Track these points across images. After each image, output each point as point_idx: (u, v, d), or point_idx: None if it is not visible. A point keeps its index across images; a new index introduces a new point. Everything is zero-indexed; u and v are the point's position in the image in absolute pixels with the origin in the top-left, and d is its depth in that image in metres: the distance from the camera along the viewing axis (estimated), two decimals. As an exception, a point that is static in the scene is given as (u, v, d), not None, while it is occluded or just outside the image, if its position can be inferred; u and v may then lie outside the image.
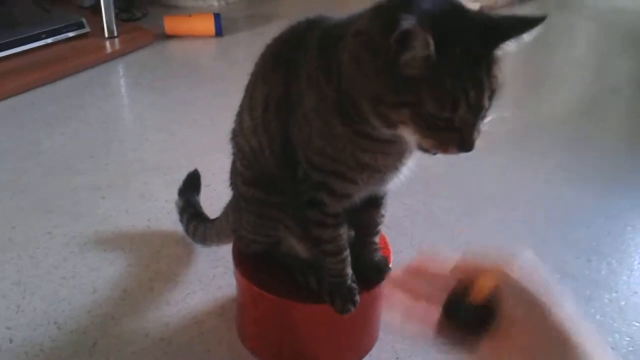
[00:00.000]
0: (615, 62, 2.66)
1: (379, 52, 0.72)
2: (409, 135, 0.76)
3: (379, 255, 1.09)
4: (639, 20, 3.06)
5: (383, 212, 1.05)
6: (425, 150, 0.78)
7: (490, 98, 0.73)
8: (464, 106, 0.71)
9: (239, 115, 1.02)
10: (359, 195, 0.94)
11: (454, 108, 0.71)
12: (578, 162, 1.85)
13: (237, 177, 1.06)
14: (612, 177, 1.78)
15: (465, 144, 0.75)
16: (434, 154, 0.78)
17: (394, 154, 0.87)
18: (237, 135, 1.03)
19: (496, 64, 0.73)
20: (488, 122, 0.77)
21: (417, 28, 0.66)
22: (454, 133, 0.74)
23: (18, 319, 1.19)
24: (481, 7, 2.91)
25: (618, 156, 1.90)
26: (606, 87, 2.40)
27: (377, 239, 1.08)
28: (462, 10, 0.74)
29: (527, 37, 0.73)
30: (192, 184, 1.41)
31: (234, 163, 1.08)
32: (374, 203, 1.02)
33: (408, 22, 0.67)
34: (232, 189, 1.11)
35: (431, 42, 0.67)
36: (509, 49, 0.73)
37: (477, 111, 0.73)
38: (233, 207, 1.14)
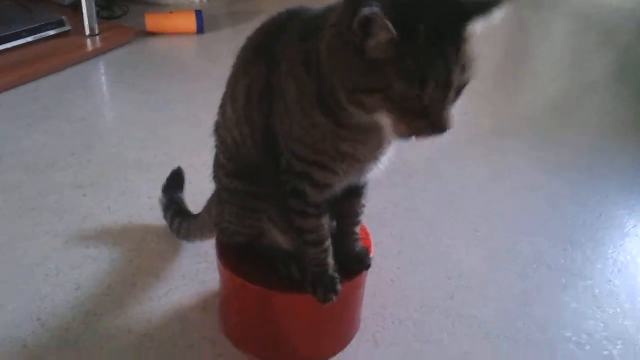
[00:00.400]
0: (590, 58, 2.70)
1: (348, 41, 0.74)
2: (386, 122, 0.78)
3: (360, 245, 1.11)
4: (614, 15, 3.11)
5: (364, 202, 1.07)
6: (402, 137, 0.79)
7: (462, 74, 0.74)
8: (432, 83, 0.72)
9: (222, 108, 1.03)
10: (340, 185, 0.96)
11: (422, 85, 0.72)
12: (555, 155, 1.88)
13: (220, 170, 1.08)
14: (588, 169, 1.82)
15: (437, 124, 0.75)
16: (411, 139, 0.79)
17: (373, 144, 0.89)
18: (220, 128, 1.05)
19: (467, 42, 0.74)
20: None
21: (375, 14, 0.68)
22: (426, 115, 0.75)
23: (1, 317, 1.20)
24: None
25: (593, 149, 1.94)
26: (582, 82, 2.44)
27: (358, 229, 1.10)
28: None
29: (495, 18, 0.75)
30: (176, 181, 1.43)
31: (217, 156, 1.09)
32: (355, 193, 1.04)
33: (367, 9, 0.68)
34: (215, 182, 1.12)
35: (390, 25, 0.69)
36: (478, 28, 0.75)
37: (446, 88, 0.73)
38: (216, 200, 1.16)
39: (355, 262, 1.10)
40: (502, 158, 1.84)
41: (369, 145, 0.89)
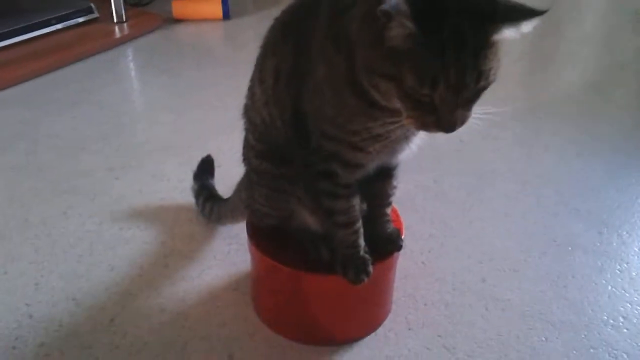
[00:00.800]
0: (622, 38, 2.64)
1: (375, 24, 0.73)
2: (400, 109, 0.77)
3: (391, 227, 1.11)
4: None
5: (395, 183, 1.06)
6: (411, 127, 0.79)
7: (477, 80, 0.72)
8: (443, 84, 0.71)
9: (250, 90, 1.03)
10: (372, 165, 0.95)
11: (433, 85, 0.71)
12: (587, 136, 1.85)
13: (250, 151, 1.08)
14: (621, 151, 1.78)
15: (443, 123, 0.75)
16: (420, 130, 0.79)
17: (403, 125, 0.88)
18: (249, 109, 1.04)
19: (490, 48, 0.72)
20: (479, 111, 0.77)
21: (397, 9, 0.68)
22: (434, 114, 0.75)
23: (37, 296, 1.22)
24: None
25: (627, 130, 1.90)
26: (614, 62, 2.39)
27: (389, 211, 1.09)
28: None
29: (525, 27, 0.73)
30: (206, 168, 1.43)
31: (246, 138, 1.09)
32: (386, 174, 1.03)
33: (390, 3, 0.68)
34: (245, 164, 1.12)
35: (408, 24, 0.68)
36: (507, 35, 0.73)
37: (458, 91, 0.72)
38: (245, 182, 1.16)
39: (386, 243, 1.09)
40: (536, 139, 1.81)
41: (401, 125, 0.88)
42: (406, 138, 0.92)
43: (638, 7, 2.89)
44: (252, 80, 1.02)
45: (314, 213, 1.06)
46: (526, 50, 2.51)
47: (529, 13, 0.72)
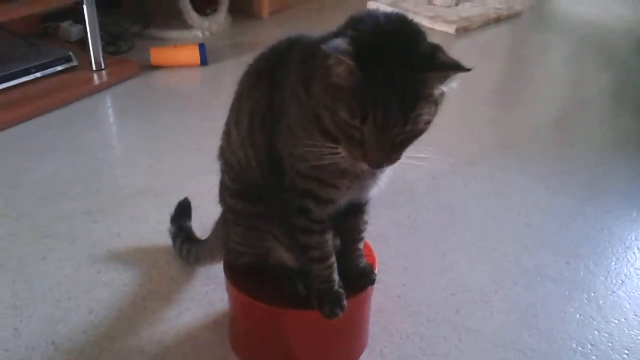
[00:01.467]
0: (589, 76, 2.75)
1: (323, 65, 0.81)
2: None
3: (364, 262, 1.14)
4: (610, 35, 3.17)
5: (366, 218, 1.10)
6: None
7: (404, 124, 0.79)
8: (371, 121, 0.78)
9: (226, 133, 1.08)
10: (343, 200, 0.99)
11: (362, 119, 0.78)
12: (555, 171, 1.91)
13: (226, 192, 1.11)
14: (589, 184, 1.84)
15: (370, 158, 0.82)
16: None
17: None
18: (226, 151, 1.09)
19: (423, 99, 0.79)
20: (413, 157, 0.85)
21: (337, 50, 0.76)
22: (362, 148, 0.81)
23: (16, 341, 1.22)
24: (456, 29, 3.00)
25: (594, 164, 1.97)
26: (582, 99, 2.48)
27: (361, 246, 1.13)
28: (402, 36, 0.81)
29: (454, 83, 0.81)
30: (183, 211, 1.46)
31: (222, 179, 1.13)
32: (357, 210, 1.08)
33: (330, 46, 0.77)
34: (222, 204, 1.16)
35: (348, 62, 0.76)
36: (444, 88, 0.81)
37: (383, 130, 0.79)
38: (222, 222, 1.19)
39: (360, 278, 1.13)
40: (505, 175, 1.87)
41: None
42: (373, 175, 0.96)
43: (602, 47, 3.01)
44: (228, 123, 1.07)
45: (289, 250, 1.09)
46: (494, 89, 2.60)
47: (456, 67, 0.79)
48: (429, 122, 0.83)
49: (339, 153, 0.86)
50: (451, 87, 0.82)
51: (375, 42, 0.79)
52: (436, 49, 0.81)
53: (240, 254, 1.14)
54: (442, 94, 0.82)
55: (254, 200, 1.06)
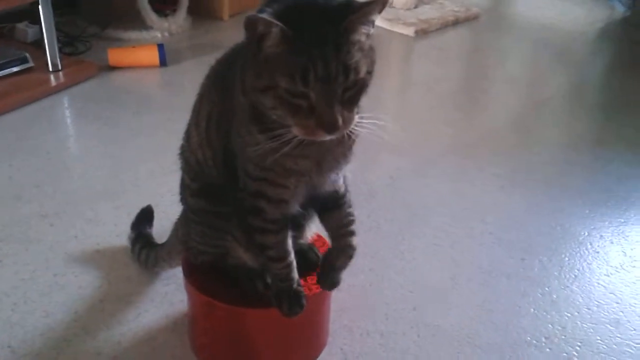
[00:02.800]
0: (544, 77, 2.81)
1: (249, 45, 0.82)
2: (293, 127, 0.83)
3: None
4: (566, 37, 3.25)
5: (349, 210, 1.07)
6: (302, 137, 0.83)
7: (346, 74, 0.79)
8: (313, 77, 0.77)
9: (187, 132, 1.08)
10: (295, 199, 0.99)
11: (304, 80, 0.78)
12: (511, 170, 1.95)
13: (186, 190, 1.11)
14: (541, 183, 1.89)
15: (324, 122, 0.80)
16: (311, 139, 0.84)
17: (314, 157, 0.92)
18: (185, 151, 1.09)
19: (353, 44, 0.80)
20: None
21: (257, 16, 0.77)
22: (313, 115, 0.80)
23: (-31, 346, 1.20)
24: (415, 31, 3.05)
25: (548, 163, 2.02)
26: (537, 100, 2.54)
27: (354, 242, 1.08)
28: (322, 2, 0.82)
29: (372, 16, 0.81)
30: (144, 217, 1.45)
31: (182, 177, 1.13)
32: (334, 204, 1.05)
33: (253, 14, 0.77)
34: (182, 202, 1.16)
35: (274, 22, 0.76)
36: (364, 30, 0.81)
37: (328, 83, 0.78)
38: (183, 220, 1.18)
39: (331, 283, 1.11)
40: (462, 175, 1.90)
41: (310, 158, 0.92)
42: (320, 172, 0.95)
43: (558, 49, 3.09)
44: (189, 123, 1.08)
45: (248, 249, 1.09)
46: (452, 91, 2.64)
47: (372, 5, 0.80)
48: (370, 72, 0.83)
49: (289, 139, 0.84)
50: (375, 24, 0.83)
51: (294, 8, 0.80)
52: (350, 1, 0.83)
53: (199, 252, 1.14)
54: (370, 37, 0.83)
55: (213, 199, 1.06)
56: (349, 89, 0.81)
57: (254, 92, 0.84)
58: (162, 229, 1.42)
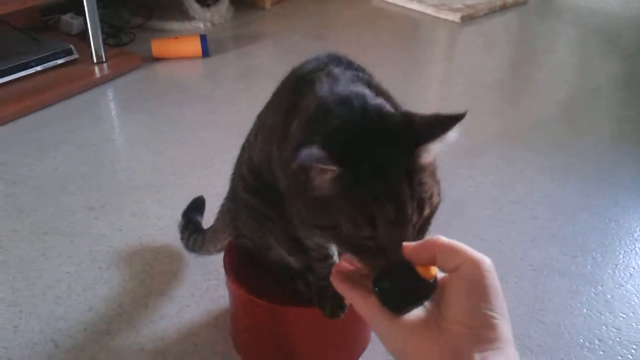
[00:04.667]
0: (595, 65, 2.71)
1: (296, 174, 0.71)
2: None
3: None
4: (617, 23, 3.12)
5: None
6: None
7: (420, 209, 0.67)
8: (383, 222, 0.65)
9: (255, 129, 1.02)
10: None
11: (371, 225, 0.66)
12: (562, 162, 1.88)
13: (240, 181, 1.08)
14: (594, 176, 1.82)
15: (390, 261, 0.67)
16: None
17: None
18: (252, 146, 1.02)
19: (423, 172, 0.68)
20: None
21: (312, 159, 0.64)
22: (381, 255, 0.67)
23: (15, 339, 1.21)
24: (461, 17, 2.97)
25: (601, 155, 1.94)
26: (588, 88, 2.45)
27: None
28: (378, 119, 0.71)
29: (451, 136, 0.67)
30: (196, 206, 1.44)
31: (239, 165, 1.09)
32: None
33: (304, 154, 0.64)
34: (232, 181, 1.12)
35: (329, 167, 0.64)
36: (434, 151, 0.68)
37: (403, 225, 0.66)
38: (231, 199, 1.15)
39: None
40: (510, 166, 1.84)
41: None
42: None
43: (608, 34, 2.97)
44: (260, 119, 1.01)
45: (290, 253, 1.07)
46: (499, 79, 2.56)
47: (449, 123, 0.67)
48: (439, 193, 0.72)
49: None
50: (450, 142, 0.68)
51: (346, 132, 0.68)
52: (409, 115, 0.71)
53: (242, 235, 1.12)
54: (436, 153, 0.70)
55: (264, 199, 1.03)
56: (423, 223, 0.69)
57: (303, 222, 0.73)
58: (203, 221, 1.42)
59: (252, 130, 1.05)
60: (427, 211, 0.68)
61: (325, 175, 0.65)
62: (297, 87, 0.87)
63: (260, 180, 1.02)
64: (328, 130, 0.69)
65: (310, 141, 0.66)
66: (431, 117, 0.69)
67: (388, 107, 0.74)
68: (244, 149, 1.08)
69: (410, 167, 0.66)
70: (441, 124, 0.67)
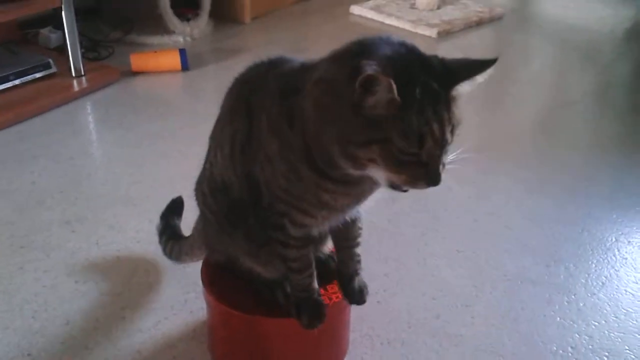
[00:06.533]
0: (572, 78, 2.76)
1: (343, 97, 0.77)
2: (378, 174, 0.81)
3: (360, 278, 1.13)
4: (592, 37, 3.19)
5: (360, 225, 1.09)
6: (395, 187, 0.82)
7: (452, 133, 0.79)
8: (429, 141, 0.76)
9: (213, 150, 1.04)
10: (318, 228, 0.98)
11: (420, 143, 0.76)
12: (537, 173, 1.92)
13: (200, 196, 1.10)
14: (570, 187, 1.85)
15: (432, 177, 0.80)
16: (404, 190, 0.83)
17: (354, 195, 0.92)
18: (213, 166, 1.05)
19: (454, 102, 0.79)
20: (451, 158, 0.83)
21: (379, 74, 0.72)
22: (421, 168, 0.79)
23: (-9, 354, 1.21)
24: (438, 32, 3.01)
25: (575, 166, 1.98)
26: (564, 101, 2.50)
27: (358, 251, 1.12)
28: (418, 54, 0.80)
29: (480, 78, 0.81)
30: (174, 208, 1.44)
31: (200, 182, 1.11)
32: (349, 221, 1.05)
33: (370, 67, 0.73)
34: (197, 202, 1.14)
35: (394, 86, 0.72)
36: (463, 89, 0.80)
37: (442, 145, 0.78)
38: (200, 215, 1.16)
39: (351, 295, 1.11)
40: (486, 178, 1.87)
41: (351, 196, 0.92)
42: (354, 207, 0.96)
43: (585, 49, 3.03)
44: (213, 141, 1.04)
45: (265, 264, 1.08)
46: (475, 93, 2.59)
47: (481, 66, 0.81)
48: (461, 122, 0.83)
49: (341, 179, 0.85)
50: (477, 83, 0.82)
51: (398, 61, 0.77)
52: (441, 57, 0.82)
53: (214, 251, 1.13)
54: None
55: (231, 217, 1.05)
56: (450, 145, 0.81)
57: (347, 145, 0.79)
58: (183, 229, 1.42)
59: (209, 153, 1.06)
60: (455, 135, 0.80)
61: (385, 95, 0.73)
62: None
63: (221, 196, 1.03)
64: (383, 57, 0.77)
65: (368, 63, 0.74)
66: (464, 60, 0.82)
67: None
68: (204, 169, 1.09)
69: (449, 98, 0.79)
70: (474, 66, 0.81)
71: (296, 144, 0.86)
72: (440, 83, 0.77)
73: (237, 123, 0.97)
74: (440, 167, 0.80)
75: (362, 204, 0.96)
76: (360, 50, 0.79)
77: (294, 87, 0.86)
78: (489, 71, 0.81)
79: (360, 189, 0.90)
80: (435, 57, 0.81)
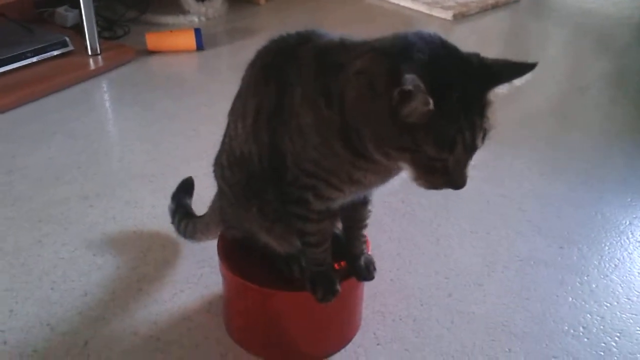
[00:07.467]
0: (586, 63, 2.74)
1: (382, 97, 0.77)
2: (407, 169, 0.82)
3: (366, 253, 1.14)
4: (609, 22, 3.16)
5: (370, 207, 1.10)
6: (420, 186, 0.84)
7: (483, 138, 0.79)
8: (460, 148, 0.77)
9: (233, 123, 1.04)
10: (343, 201, 0.99)
11: (451, 150, 0.77)
12: (549, 157, 1.92)
13: (218, 170, 1.11)
14: (583, 170, 1.85)
15: (456, 183, 0.81)
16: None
17: (384, 174, 0.93)
18: (233, 140, 1.05)
19: (489, 106, 0.79)
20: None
21: (417, 88, 0.72)
22: (446, 175, 0.80)
23: (11, 323, 1.23)
24: (454, 15, 3.00)
25: (588, 150, 1.98)
26: (578, 86, 2.48)
27: (365, 232, 1.13)
28: (457, 55, 0.80)
29: (518, 82, 0.80)
30: (185, 188, 1.45)
31: (219, 153, 1.12)
32: (362, 202, 1.07)
33: (410, 81, 0.72)
34: (214, 172, 1.15)
35: (430, 101, 0.73)
36: (501, 92, 0.80)
37: (471, 151, 0.79)
38: (218, 191, 1.18)
39: (359, 272, 1.13)
40: (499, 161, 1.87)
41: (380, 174, 0.92)
42: (381, 184, 0.96)
43: (601, 34, 3.01)
44: (233, 113, 1.04)
45: (280, 238, 1.09)
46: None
47: (520, 70, 0.80)
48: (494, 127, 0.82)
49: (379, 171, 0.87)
50: (516, 86, 0.81)
51: (435, 63, 0.77)
52: (481, 57, 0.81)
53: (231, 227, 1.15)
54: None
55: (246, 187, 1.06)
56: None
57: (382, 145, 0.81)
58: (196, 211, 1.43)
59: (228, 127, 1.07)
60: (486, 140, 0.80)
61: (420, 107, 0.74)
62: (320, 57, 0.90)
63: (238, 169, 1.04)
64: (421, 61, 0.77)
65: (407, 70, 0.73)
66: (504, 61, 0.81)
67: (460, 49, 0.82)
68: (223, 143, 1.10)
69: (483, 102, 0.78)
70: (514, 69, 0.80)
71: (333, 120, 0.86)
72: (478, 84, 0.77)
73: (264, 93, 0.96)
74: (467, 170, 0.81)
75: (388, 182, 0.96)
76: (404, 47, 0.79)
77: (336, 62, 0.86)
78: (528, 76, 0.80)
79: (387, 169, 0.90)
80: (476, 56, 0.81)
